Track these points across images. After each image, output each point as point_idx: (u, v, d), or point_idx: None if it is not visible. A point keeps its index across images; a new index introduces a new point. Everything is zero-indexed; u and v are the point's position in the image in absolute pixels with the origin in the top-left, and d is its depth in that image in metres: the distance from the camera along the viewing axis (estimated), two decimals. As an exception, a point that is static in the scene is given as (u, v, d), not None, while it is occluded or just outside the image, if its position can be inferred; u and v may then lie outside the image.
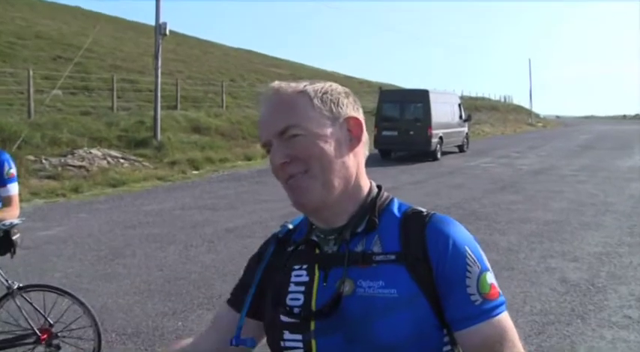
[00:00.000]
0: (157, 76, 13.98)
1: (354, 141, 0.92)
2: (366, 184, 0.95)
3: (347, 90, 0.95)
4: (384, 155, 16.09)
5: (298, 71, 35.07)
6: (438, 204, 8.60)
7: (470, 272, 0.85)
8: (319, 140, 0.88)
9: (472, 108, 36.86)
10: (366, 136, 0.95)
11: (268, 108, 0.91)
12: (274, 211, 7.93)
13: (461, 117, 19.21)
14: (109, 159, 12.37)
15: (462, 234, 0.88)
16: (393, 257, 0.86)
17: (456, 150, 19.02)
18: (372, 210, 0.92)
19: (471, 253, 0.86)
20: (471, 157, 17.16)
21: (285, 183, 0.90)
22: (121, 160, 12.53)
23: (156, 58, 13.97)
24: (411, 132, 15.88)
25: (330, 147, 0.88)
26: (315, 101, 0.90)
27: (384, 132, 15.66)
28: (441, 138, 16.60)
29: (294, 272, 0.93)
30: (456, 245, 0.86)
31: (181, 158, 13.45)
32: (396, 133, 15.63)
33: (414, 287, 0.84)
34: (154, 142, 13.93)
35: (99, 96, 16.85)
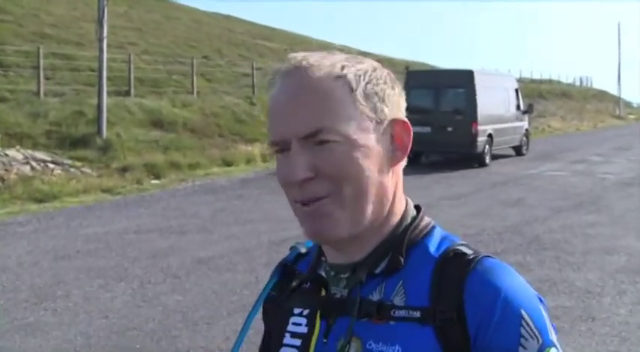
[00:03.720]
0: (101, 50, 14.09)
1: (397, 153, 0.92)
2: (400, 208, 0.95)
3: (391, 75, 0.95)
4: (412, 159, 15.97)
5: (297, 46, 35.22)
6: (485, 227, 8.57)
7: (524, 347, 0.82)
8: (358, 152, 0.87)
9: (535, 94, 36.88)
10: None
11: (291, 94, 0.88)
12: (262, 235, 7.92)
13: (519, 107, 19.25)
14: (34, 163, 12.41)
15: (519, 290, 0.86)
16: (417, 314, 0.86)
17: (512, 152, 19.06)
18: (398, 244, 0.92)
19: (529, 319, 0.84)
20: (533, 162, 17.14)
21: (299, 204, 0.89)
22: (51, 165, 12.59)
23: (100, 24, 14.08)
24: (449, 129, 15.89)
25: (370, 163, 0.88)
26: (358, 93, 0.88)
27: (412, 129, 15.63)
28: (490, 136, 16.60)
29: (292, 319, 0.96)
30: (509, 306, 0.83)
31: (136, 162, 13.52)
32: (428, 130, 15.63)
33: None
34: (98, 141, 14.01)
35: (18, 76, 16.90)
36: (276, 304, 1.01)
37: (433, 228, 0.95)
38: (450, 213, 9.51)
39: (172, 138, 15.74)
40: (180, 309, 5.37)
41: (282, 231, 8.07)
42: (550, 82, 49.58)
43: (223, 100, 19.57)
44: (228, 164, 15.22)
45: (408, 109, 0.98)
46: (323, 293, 0.95)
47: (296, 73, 0.88)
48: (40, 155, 12.82)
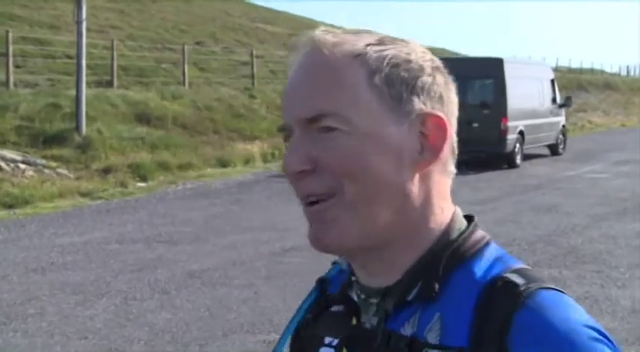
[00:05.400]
0: (79, 34, 14.11)
1: (427, 154, 0.87)
2: (441, 220, 0.90)
3: (436, 61, 0.91)
4: None
5: (301, 30, 35.16)
6: (515, 236, 8.55)
7: None
8: (369, 146, 0.83)
9: (573, 86, 36.75)
10: (451, 146, 0.91)
11: (299, 73, 0.87)
12: (262, 246, 7.93)
13: (555, 100, 19.21)
14: (2, 164, 12.44)
15: (582, 333, 0.78)
16: None
17: (547, 151, 19.05)
18: (435, 266, 0.87)
19: None
20: (571, 163, 17.12)
21: (303, 203, 0.87)
22: (22, 166, 12.62)
23: (77, 4, 14.13)
24: (475, 124, 15.80)
25: (383, 161, 0.84)
26: (377, 78, 0.85)
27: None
28: (521, 133, 16.58)
29: (322, 349, 0.94)
30: None
31: (119, 163, 13.56)
32: None
33: None
34: (76, 138, 14.05)
35: (-14, 64, 17.04)
36: (309, 329, 0.98)
37: (486, 245, 0.90)
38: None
39: (161, 135, 15.78)
40: (169, 329, 5.37)
41: (284, 241, 8.08)
42: (592, 71, 49.41)
43: (218, 92, 19.61)
44: (223, 165, 15.24)
45: None
46: (355, 320, 0.92)
47: (310, 51, 0.87)
48: (10, 154, 12.84)
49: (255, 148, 16.50)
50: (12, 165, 12.50)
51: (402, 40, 0.90)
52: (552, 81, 19.33)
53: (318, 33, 0.88)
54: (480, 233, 0.92)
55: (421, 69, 0.88)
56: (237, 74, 22.73)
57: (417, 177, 0.87)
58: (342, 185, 0.84)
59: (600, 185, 13.32)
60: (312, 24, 39.79)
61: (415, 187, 0.87)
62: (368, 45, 0.86)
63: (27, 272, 6.99)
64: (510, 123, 15.98)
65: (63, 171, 12.94)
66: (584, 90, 38.55)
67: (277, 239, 8.24)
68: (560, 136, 19.44)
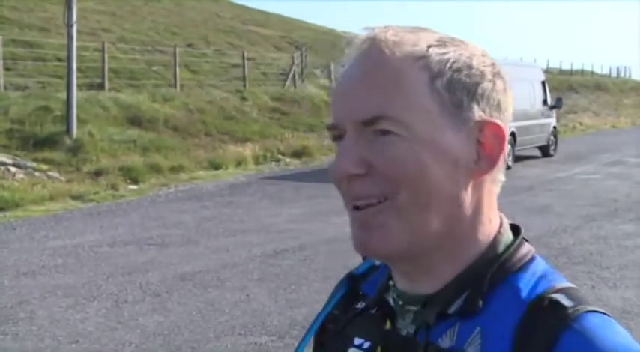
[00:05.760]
0: (70, 37, 14.11)
1: (483, 163, 0.85)
2: (489, 231, 0.88)
3: (496, 66, 0.88)
4: None
5: (295, 33, 35.28)
6: (511, 237, 8.57)
7: None
8: (425, 152, 0.81)
9: (564, 87, 36.91)
10: (505, 156, 0.88)
11: (357, 72, 0.84)
12: (255, 248, 7.93)
13: (545, 102, 19.31)
14: (-4, 166, 12.45)
15: None
16: None
17: (538, 153, 19.12)
18: (480, 280, 0.85)
19: None
20: (562, 164, 17.18)
21: (350, 206, 0.86)
22: (12, 168, 12.61)
23: (68, 7, 14.12)
24: None
25: (439, 168, 0.82)
26: (439, 83, 0.83)
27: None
28: (513, 134, 16.58)
29: (351, 350, 0.94)
30: None
31: (110, 165, 13.55)
32: None
33: None
34: (67, 141, 14.04)
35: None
36: (337, 326, 0.97)
37: (531, 260, 0.88)
38: (468, 222, 9.49)
39: (152, 137, 15.78)
40: (161, 332, 5.36)
41: (276, 243, 8.07)
42: (582, 72, 49.66)
43: (210, 94, 19.62)
44: (215, 167, 15.23)
45: None
46: (389, 324, 0.91)
47: (368, 48, 0.84)
48: (0, 157, 12.83)
49: (246, 150, 16.50)
50: (2, 168, 12.48)
51: (462, 42, 0.88)
52: (543, 82, 19.42)
53: (378, 30, 0.85)
54: (526, 247, 0.89)
55: (482, 75, 0.85)
56: (229, 76, 22.74)
57: (470, 185, 0.85)
58: (395, 190, 0.82)
59: (591, 186, 13.36)
60: (304, 26, 39.88)
61: (468, 196, 0.85)
62: (430, 46, 0.84)
63: (18, 276, 6.97)
64: (502, 125, 16.01)
65: (54, 174, 12.91)
66: (575, 91, 38.75)
67: (269, 241, 8.24)
68: (551, 138, 19.52)
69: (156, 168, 14.05)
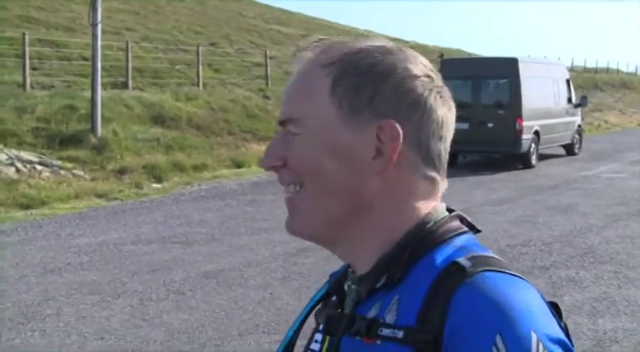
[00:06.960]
0: (95, 37, 14.21)
1: (380, 160, 0.92)
2: (413, 216, 0.95)
3: (411, 63, 0.94)
4: (448, 159, 16.05)
5: (316, 31, 35.22)
6: (531, 237, 8.53)
7: None
8: (321, 150, 0.93)
9: (589, 85, 36.54)
10: (424, 150, 0.94)
11: (291, 77, 0.98)
12: (278, 246, 7.94)
13: (570, 100, 19.14)
14: (19, 165, 12.54)
15: (503, 309, 0.82)
16: (400, 334, 0.87)
17: (562, 151, 18.97)
18: (399, 256, 0.92)
19: (502, 345, 0.80)
20: (587, 163, 17.04)
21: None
22: (39, 167, 12.71)
23: (93, 7, 14.23)
24: (490, 125, 15.90)
25: (335, 165, 0.93)
26: (340, 86, 0.93)
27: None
28: (537, 133, 16.52)
29: (316, 335, 1.03)
30: (482, 325, 0.81)
31: (135, 164, 13.63)
32: (466, 126, 15.55)
33: None
34: (92, 139, 14.14)
35: (1, 66, 17.18)
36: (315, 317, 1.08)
37: (456, 235, 0.94)
38: (491, 221, 9.45)
39: (175, 136, 15.85)
40: (185, 330, 5.40)
41: (299, 241, 8.05)
42: (607, 70, 49.06)
43: (233, 93, 19.66)
44: (238, 165, 15.28)
45: None
46: (340, 307, 1.01)
47: (297, 58, 0.98)
48: (27, 155, 12.94)
49: (269, 149, 16.51)
50: (28, 166, 12.58)
51: (397, 48, 0.96)
52: (568, 80, 19.25)
53: (309, 41, 0.98)
54: (452, 224, 0.95)
55: (386, 77, 0.93)
56: (251, 75, 22.78)
57: (374, 180, 0.93)
58: (302, 181, 0.95)
59: (617, 185, 13.24)
60: (326, 25, 39.85)
61: (371, 189, 0.93)
62: (344, 54, 0.94)
63: (44, 273, 7.04)
64: (525, 123, 15.92)
65: (79, 172, 13.01)
66: (600, 89, 38.32)
67: (292, 240, 8.22)
68: (576, 136, 19.34)
69: (179, 167, 14.12)
